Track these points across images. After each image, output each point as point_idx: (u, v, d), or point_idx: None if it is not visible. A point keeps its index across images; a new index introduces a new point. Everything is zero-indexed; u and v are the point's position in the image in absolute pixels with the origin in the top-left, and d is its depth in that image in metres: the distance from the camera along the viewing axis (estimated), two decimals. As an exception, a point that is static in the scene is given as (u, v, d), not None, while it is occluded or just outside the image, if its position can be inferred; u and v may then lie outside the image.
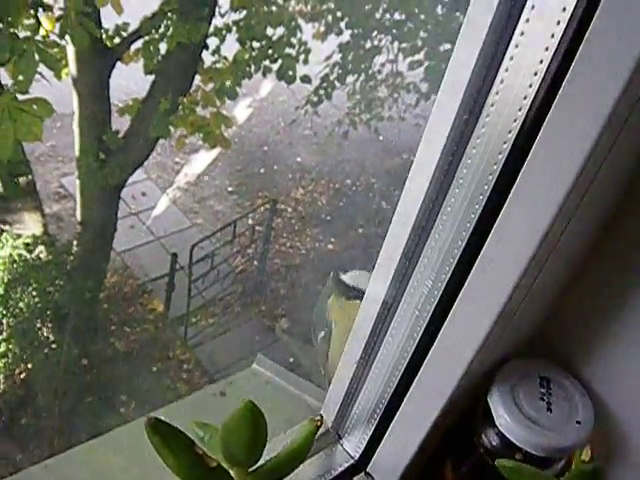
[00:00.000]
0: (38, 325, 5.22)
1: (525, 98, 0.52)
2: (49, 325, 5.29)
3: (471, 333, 0.62)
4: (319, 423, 0.68)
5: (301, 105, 6.10)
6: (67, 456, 2.12)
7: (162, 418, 0.56)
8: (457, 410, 0.71)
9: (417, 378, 0.69)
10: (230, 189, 7.37)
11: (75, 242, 5.49)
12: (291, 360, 6.02)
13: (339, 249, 6.99)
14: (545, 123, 0.52)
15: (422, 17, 5.27)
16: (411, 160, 0.63)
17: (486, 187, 0.57)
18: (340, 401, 0.83)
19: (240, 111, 7.50)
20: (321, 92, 5.75)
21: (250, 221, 6.74)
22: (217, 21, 5.04)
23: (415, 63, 5.44)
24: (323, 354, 1.16)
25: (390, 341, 0.71)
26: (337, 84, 5.69)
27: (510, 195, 0.56)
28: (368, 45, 5.42)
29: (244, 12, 5.11)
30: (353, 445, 0.85)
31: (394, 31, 5.45)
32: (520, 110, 0.53)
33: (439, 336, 0.65)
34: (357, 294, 1.08)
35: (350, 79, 5.74)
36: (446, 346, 0.66)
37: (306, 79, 5.35)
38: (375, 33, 5.39)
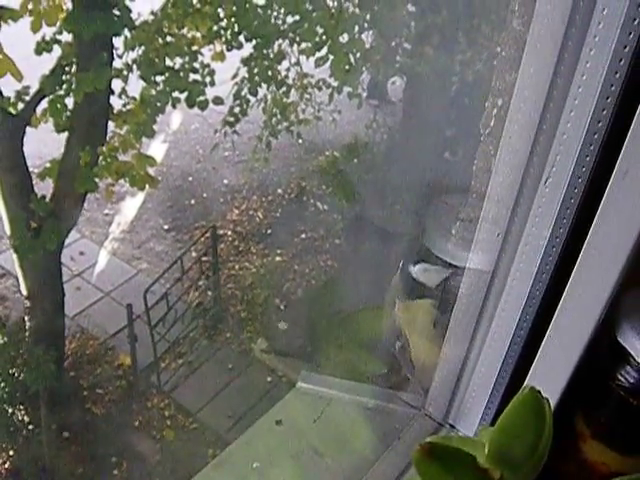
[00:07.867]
0: (10, 410, 5.07)
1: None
2: (21, 407, 5.15)
3: (606, 270, 0.60)
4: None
5: (219, 129, 6.04)
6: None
7: (434, 441, 0.47)
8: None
9: (547, 334, 0.67)
10: (166, 227, 7.27)
11: (27, 317, 5.33)
12: (269, 379, 5.99)
13: (287, 259, 6.97)
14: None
15: (315, 14, 5.27)
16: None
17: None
18: (451, 390, 0.81)
19: (156, 148, 7.38)
20: (236, 110, 5.71)
21: (194, 254, 6.65)
22: (116, 63, 4.95)
23: (320, 60, 5.43)
24: (407, 362, 1.13)
25: (506, 308, 0.70)
26: (250, 98, 5.65)
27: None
28: (271, 52, 5.40)
29: (141, 49, 5.04)
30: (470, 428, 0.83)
31: (291, 34, 5.45)
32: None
33: (570, 281, 0.63)
34: (422, 292, 1.03)
35: (261, 91, 5.70)
36: (578, 291, 0.63)
37: (218, 100, 5.32)
38: (275, 38, 5.37)
